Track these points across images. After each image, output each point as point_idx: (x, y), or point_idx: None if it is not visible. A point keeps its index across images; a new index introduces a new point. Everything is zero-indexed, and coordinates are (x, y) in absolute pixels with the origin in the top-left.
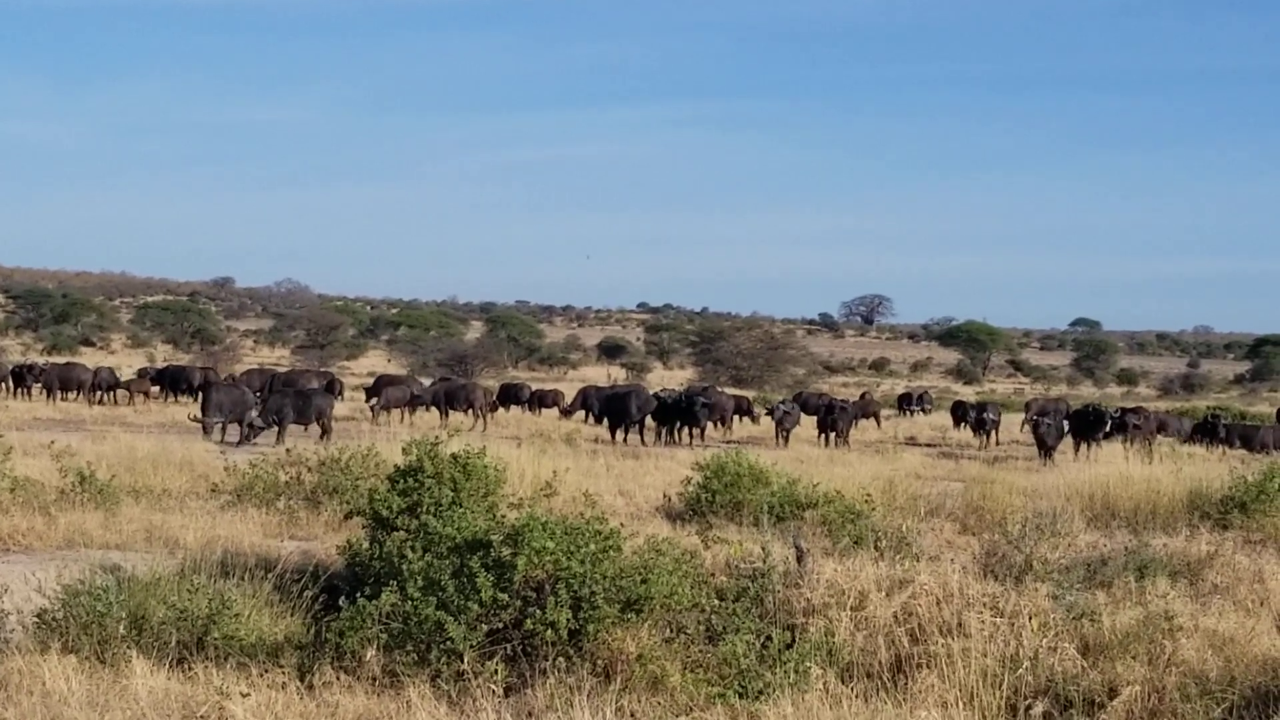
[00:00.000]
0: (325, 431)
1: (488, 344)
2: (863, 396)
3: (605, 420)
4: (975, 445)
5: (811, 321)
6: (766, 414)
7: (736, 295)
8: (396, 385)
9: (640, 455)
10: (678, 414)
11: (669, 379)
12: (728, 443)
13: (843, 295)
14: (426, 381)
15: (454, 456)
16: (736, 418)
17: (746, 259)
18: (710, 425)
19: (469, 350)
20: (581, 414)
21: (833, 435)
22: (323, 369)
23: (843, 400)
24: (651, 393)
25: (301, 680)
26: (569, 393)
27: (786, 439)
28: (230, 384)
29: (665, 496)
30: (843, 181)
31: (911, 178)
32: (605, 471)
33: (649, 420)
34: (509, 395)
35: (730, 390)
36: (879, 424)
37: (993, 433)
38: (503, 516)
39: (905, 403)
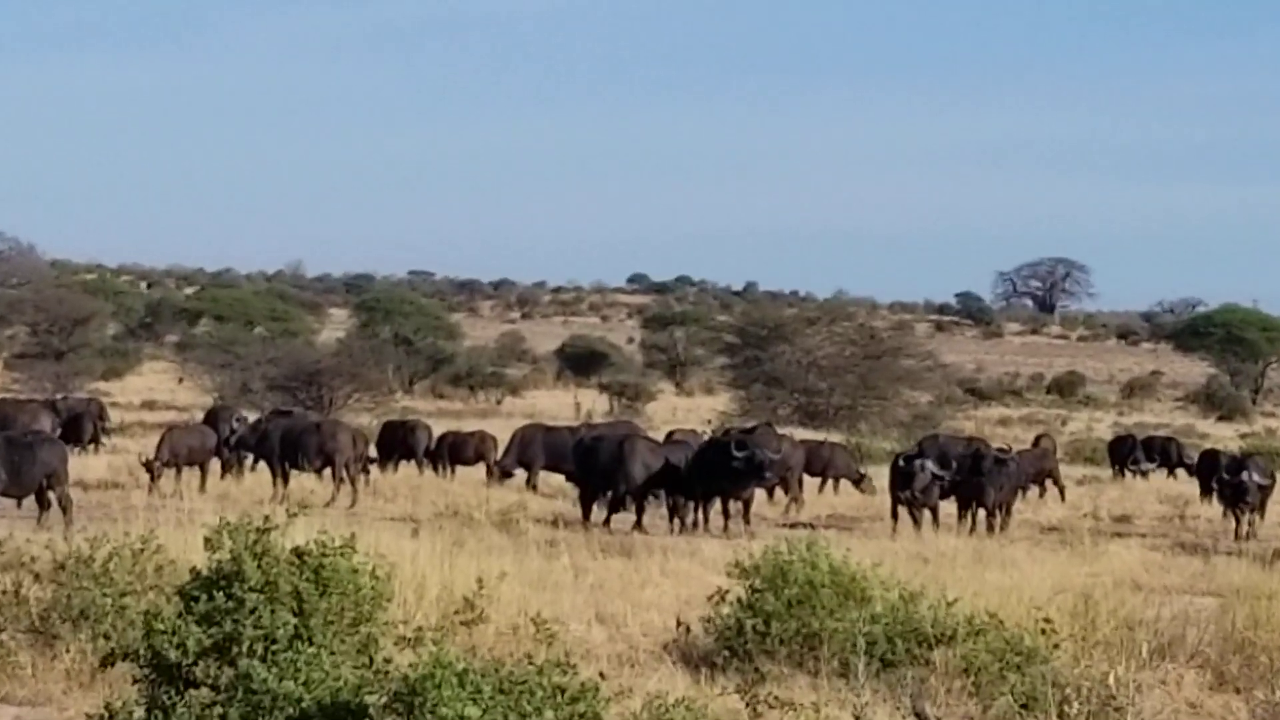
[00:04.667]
0: (61, 507)
1: (359, 349)
2: (1037, 442)
3: (574, 486)
4: (1237, 530)
5: (943, 308)
6: (898, 480)
7: (805, 263)
8: (187, 428)
9: (634, 550)
10: (704, 475)
11: (686, 412)
12: (791, 526)
13: (1000, 261)
14: (251, 417)
15: (299, 554)
16: (830, 481)
17: (822, 198)
18: (761, 493)
19: (325, 361)
20: (523, 474)
21: (981, 511)
22: (63, 395)
23: (1001, 448)
24: (655, 437)
25: None
26: (504, 436)
27: (929, 516)
28: None
29: (680, 624)
30: (991, 51)
31: (1121, 45)
32: (572, 580)
33: (650, 486)
34: (397, 441)
35: (798, 433)
36: (1063, 493)
37: (1259, 508)
38: (387, 661)
39: (1122, 454)
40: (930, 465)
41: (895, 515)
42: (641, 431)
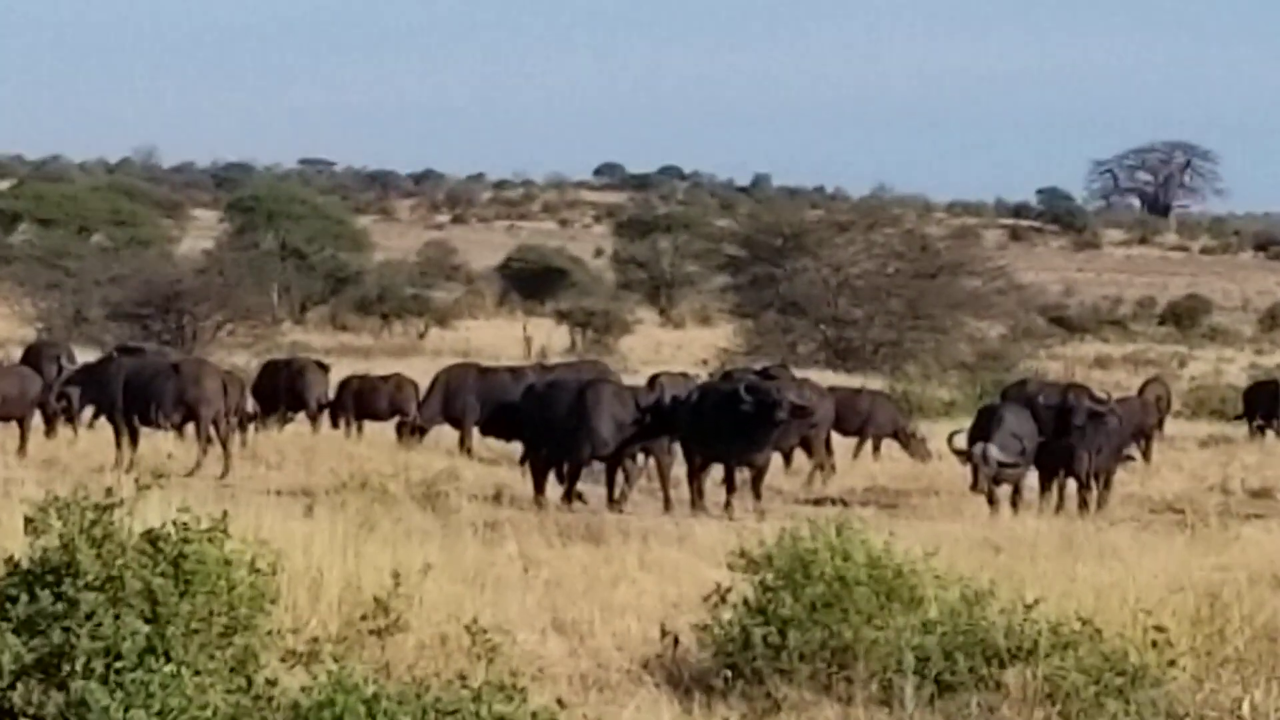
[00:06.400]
0: None
1: (233, 265)
2: (1144, 389)
3: (522, 449)
4: None
5: (1021, 210)
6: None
7: (833, 149)
8: (1, 371)
9: (604, 534)
10: (701, 432)
11: (674, 349)
12: (816, 502)
13: (1096, 147)
14: (87, 356)
15: (152, 539)
16: (869, 442)
17: (855, 63)
18: (775, 459)
19: (187, 280)
20: (451, 431)
21: (1072, 482)
22: None
23: (1100, 398)
24: (632, 383)
25: None
26: (428, 381)
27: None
28: None
29: (667, 634)
30: None
31: None
32: (520, 575)
33: (626, 446)
34: (284, 388)
35: (825, 378)
36: (1147, 454)
37: None
38: (271, 683)
39: (1259, 405)
40: (994, 451)
41: (990, 495)
42: (612, 374)
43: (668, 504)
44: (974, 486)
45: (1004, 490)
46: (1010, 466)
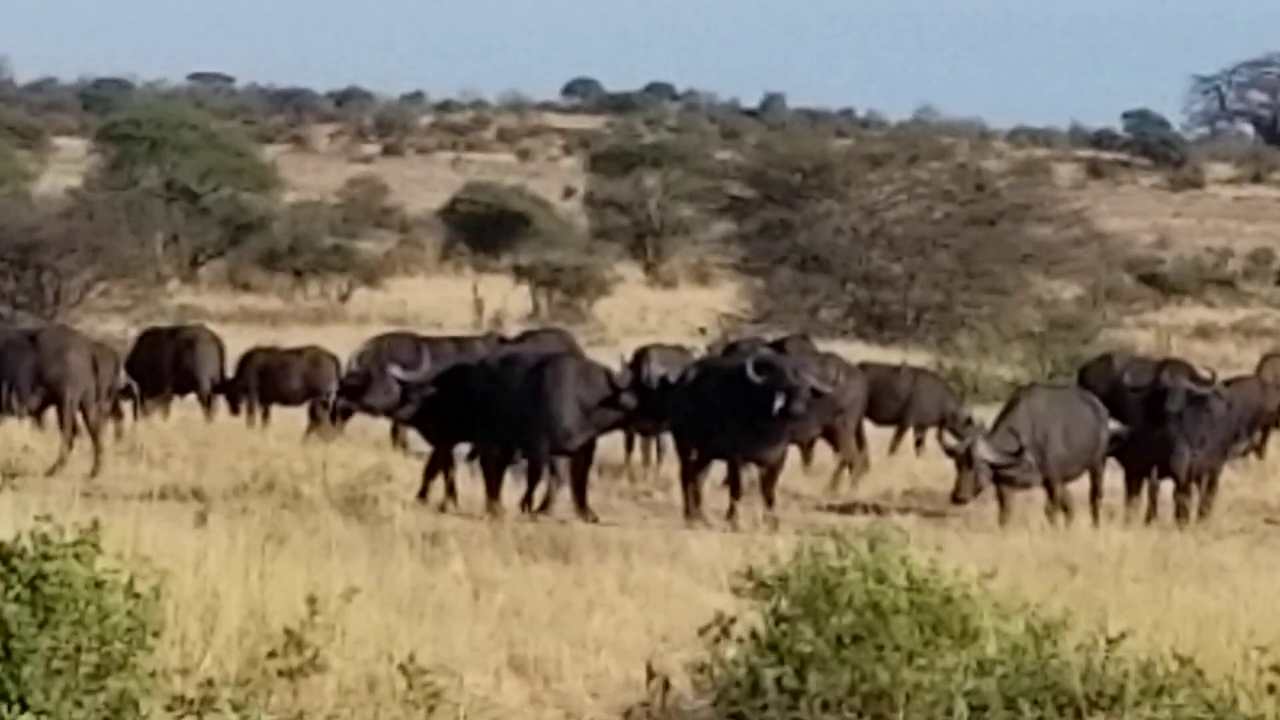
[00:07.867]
0: None
1: (107, 208)
2: (1261, 367)
3: (459, 442)
4: None
5: (1103, 139)
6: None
7: (865, 64)
8: None
9: (575, 550)
10: (698, 420)
11: (664, 315)
12: (844, 509)
13: (1198, 61)
14: None
15: (4, 555)
16: (909, 432)
17: None
18: (793, 454)
19: (48, 227)
20: (381, 418)
21: (1165, 481)
22: None
23: (1203, 378)
24: (603, 358)
25: None
26: (347, 355)
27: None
28: None
29: (654, 675)
30: None
31: None
32: (469, 601)
33: (596, 436)
34: (169, 364)
35: (855, 352)
36: (1260, 449)
37: None
38: None
39: None
40: (981, 449)
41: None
42: (577, 347)
43: (645, 506)
44: (955, 495)
45: (1017, 493)
46: (1005, 468)
